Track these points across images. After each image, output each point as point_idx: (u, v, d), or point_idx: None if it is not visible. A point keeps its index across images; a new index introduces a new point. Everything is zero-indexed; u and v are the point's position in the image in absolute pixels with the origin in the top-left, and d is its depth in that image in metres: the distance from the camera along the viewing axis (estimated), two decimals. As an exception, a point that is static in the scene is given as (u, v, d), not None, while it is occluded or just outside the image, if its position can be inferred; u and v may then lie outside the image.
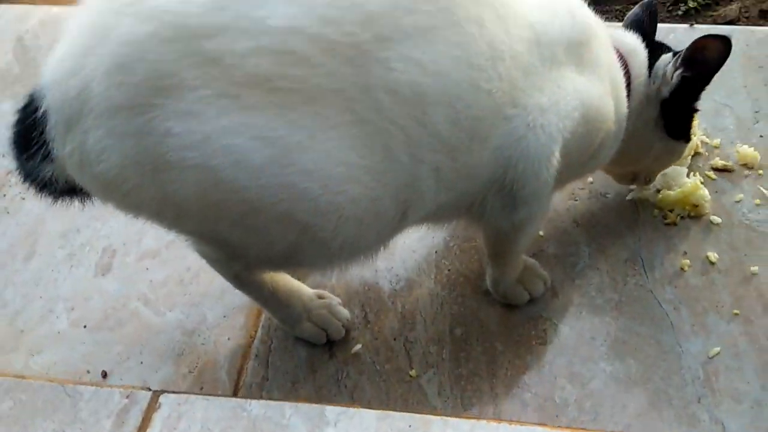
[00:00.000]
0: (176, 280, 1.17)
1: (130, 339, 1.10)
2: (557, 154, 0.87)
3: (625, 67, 1.03)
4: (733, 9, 2.59)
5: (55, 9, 1.73)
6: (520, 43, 0.83)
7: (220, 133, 0.70)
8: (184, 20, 0.69)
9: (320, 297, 1.09)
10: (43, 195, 0.85)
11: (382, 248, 0.92)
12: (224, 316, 1.12)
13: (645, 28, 1.11)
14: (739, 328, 1.07)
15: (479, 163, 0.85)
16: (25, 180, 0.83)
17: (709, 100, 1.45)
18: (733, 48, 1.60)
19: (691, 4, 2.61)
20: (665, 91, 1.05)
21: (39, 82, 0.77)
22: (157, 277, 1.18)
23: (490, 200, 0.90)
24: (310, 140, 0.73)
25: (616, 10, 2.56)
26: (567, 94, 0.87)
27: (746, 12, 2.66)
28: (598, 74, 0.93)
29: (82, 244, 1.24)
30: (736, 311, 1.09)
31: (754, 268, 1.14)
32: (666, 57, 1.06)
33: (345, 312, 1.08)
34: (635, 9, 1.15)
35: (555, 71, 0.87)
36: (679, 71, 1.03)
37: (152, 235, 1.22)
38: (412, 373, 1.04)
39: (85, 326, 1.12)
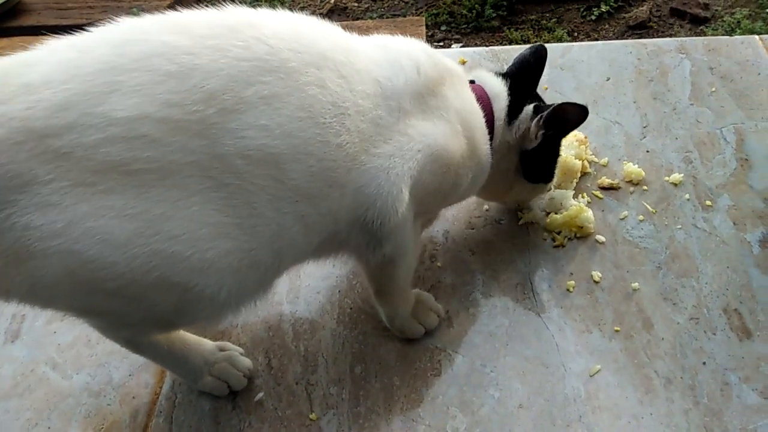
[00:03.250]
0: (84, 341, 1.20)
1: (39, 405, 1.12)
2: (405, 192, 0.95)
3: (489, 110, 1.11)
4: (643, 10, 2.70)
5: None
6: (365, 98, 0.91)
7: (80, 219, 0.74)
8: (31, 124, 0.73)
9: (222, 349, 1.12)
10: None
11: (267, 291, 0.97)
12: (130, 375, 1.15)
13: (528, 71, 1.21)
14: (619, 344, 1.13)
15: (341, 206, 0.92)
16: None
17: (599, 118, 1.52)
18: (625, 63, 1.68)
19: (603, 8, 2.70)
20: (528, 146, 1.16)
21: None
22: (65, 339, 1.20)
23: (355, 238, 0.97)
24: (173, 209, 0.78)
25: (531, 20, 2.64)
26: (411, 139, 0.95)
27: (658, 11, 2.76)
28: (445, 117, 1.00)
29: (-8, 311, 1.26)
30: (617, 328, 1.15)
31: (635, 284, 1.20)
32: (528, 111, 1.14)
33: (246, 362, 1.12)
34: (525, 51, 1.24)
35: (402, 121, 0.95)
36: (542, 132, 1.13)
37: (60, 297, 1.24)
38: (312, 416, 1.08)
39: (-6, 396, 1.15)
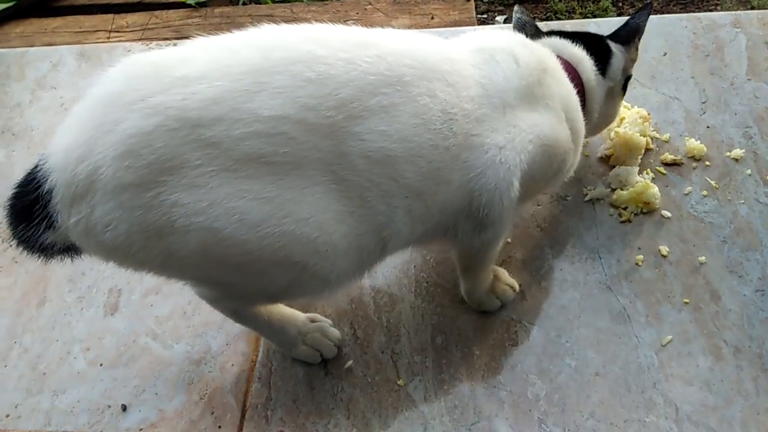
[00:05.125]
0: (179, 313, 1.28)
1: (144, 373, 1.21)
2: (516, 184, 1.01)
3: (578, 79, 1.18)
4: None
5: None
6: (469, 101, 0.97)
7: (222, 199, 0.83)
8: (186, 114, 0.82)
9: (313, 320, 1.20)
10: (38, 256, 0.95)
11: (366, 273, 1.05)
12: (227, 344, 1.23)
13: (533, 27, 1.29)
14: (689, 315, 1.19)
15: (447, 200, 0.99)
16: (21, 245, 0.93)
17: (659, 93, 1.56)
18: (680, 37, 1.70)
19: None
20: (631, 71, 1.31)
21: (40, 164, 0.88)
22: (162, 311, 1.29)
23: (461, 225, 1.04)
24: (302, 195, 0.87)
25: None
26: (522, 131, 1.01)
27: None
28: (551, 106, 1.06)
29: (89, 286, 1.34)
30: (686, 300, 1.21)
31: (702, 258, 1.25)
32: (616, 50, 1.27)
33: (336, 332, 1.20)
34: (516, 20, 1.30)
35: (509, 114, 1.01)
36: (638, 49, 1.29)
37: (153, 272, 1.32)
38: (400, 382, 1.16)
39: (101, 364, 1.23)
